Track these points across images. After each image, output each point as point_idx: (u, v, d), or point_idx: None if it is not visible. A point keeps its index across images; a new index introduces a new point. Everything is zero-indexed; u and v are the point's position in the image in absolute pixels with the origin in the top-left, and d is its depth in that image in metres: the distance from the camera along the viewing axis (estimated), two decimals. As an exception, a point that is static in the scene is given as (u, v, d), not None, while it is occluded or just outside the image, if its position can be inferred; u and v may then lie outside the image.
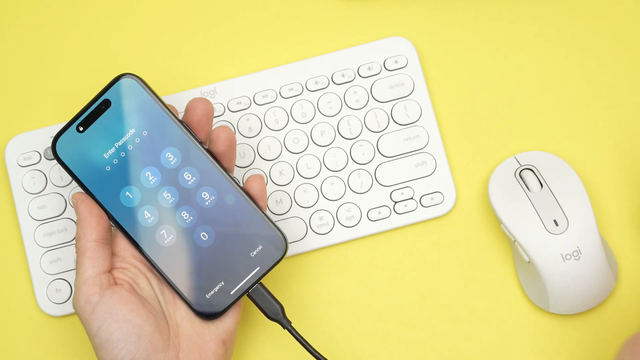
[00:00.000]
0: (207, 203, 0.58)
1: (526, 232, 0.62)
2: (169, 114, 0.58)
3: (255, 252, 0.58)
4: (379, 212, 0.66)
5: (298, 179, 0.66)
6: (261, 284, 0.59)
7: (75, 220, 0.66)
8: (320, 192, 0.66)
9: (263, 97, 0.67)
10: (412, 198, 0.66)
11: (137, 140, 0.58)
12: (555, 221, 0.62)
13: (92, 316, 0.56)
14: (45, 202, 0.66)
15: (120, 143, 0.58)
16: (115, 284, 0.58)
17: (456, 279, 0.66)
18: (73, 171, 0.58)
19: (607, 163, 0.67)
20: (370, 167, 0.66)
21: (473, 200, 0.67)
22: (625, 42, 0.68)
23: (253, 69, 0.68)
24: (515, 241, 0.63)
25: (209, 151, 0.59)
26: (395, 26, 0.68)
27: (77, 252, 0.58)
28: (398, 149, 0.66)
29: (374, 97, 0.67)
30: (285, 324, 0.59)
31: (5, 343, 0.66)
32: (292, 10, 0.69)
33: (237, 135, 0.66)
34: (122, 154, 0.58)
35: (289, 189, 0.66)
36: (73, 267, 0.65)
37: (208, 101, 0.59)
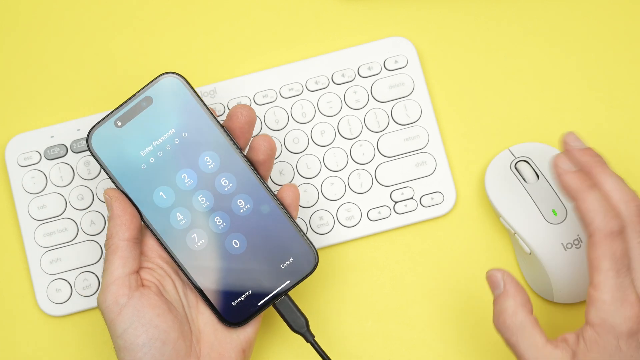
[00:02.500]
0: (241, 211, 0.58)
1: (525, 224, 0.63)
2: (211, 117, 0.57)
3: (286, 265, 0.58)
4: (379, 212, 0.66)
5: (298, 179, 0.66)
6: (288, 296, 0.58)
7: (74, 219, 0.66)
8: (320, 192, 0.66)
9: (263, 97, 0.67)
10: (412, 198, 0.66)
11: (177, 140, 0.57)
12: (553, 211, 0.63)
13: (119, 317, 0.56)
14: (45, 202, 0.66)
15: (158, 142, 0.57)
16: (143, 285, 0.57)
17: (457, 279, 0.66)
18: (107, 166, 0.57)
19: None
20: (370, 167, 0.66)
21: (473, 200, 0.67)
22: (622, 42, 0.68)
23: (253, 69, 0.68)
24: (515, 233, 0.63)
25: (247, 158, 0.58)
26: (395, 26, 0.69)
27: (107, 249, 0.57)
28: (398, 149, 0.66)
29: (374, 97, 0.67)
30: (309, 338, 0.59)
31: (5, 343, 0.66)
32: (292, 10, 0.69)
33: (237, 135, 0.66)
34: (160, 153, 0.57)
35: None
36: (73, 267, 0.65)
37: (251, 109, 0.58)
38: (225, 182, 0.58)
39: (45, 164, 0.66)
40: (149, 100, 0.57)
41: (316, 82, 0.67)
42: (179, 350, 0.56)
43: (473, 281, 0.66)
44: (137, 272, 0.57)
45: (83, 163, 0.66)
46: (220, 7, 0.69)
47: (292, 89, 0.67)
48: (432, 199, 0.66)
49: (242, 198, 0.58)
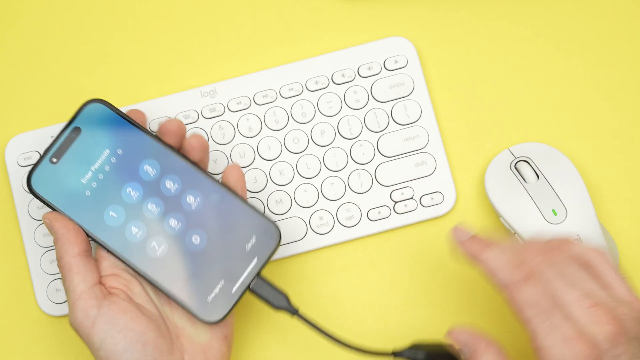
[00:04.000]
0: (193, 207, 0.58)
1: (525, 224, 0.63)
2: (141, 128, 0.59)
3: (249, 245, 0.58)
4: (379, 212, 0.66)
5: (298, 179, 0.66)
6: (261, 277, 0.58)
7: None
8: (320, 192, 0.66)
9: (263, 97, 0.67)
10: (412, 198, 0.66)
11: (113, 159, 0.58)
12: (553, 211, 0.63)
13: (94, 330, 0.55)
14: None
15: (96, 166, 0.58)
16: (110, 293, 0.57)
17: (457, 279, 0.66)
18: (53, 203, 0.58)
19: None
20: (370, 167, 0.66)
21: (473, 200, 0.67)
22: (622, 42, 0.68)
23: (253, 69, 0.68)
24: (515, 233, 0.63)
25: (185, 156, 0.59)
26: (395, 26, 0.69)
27: (62, 271, 0.57)
28: (398, 149, 0.66)
29: (374, 97, 0.67)
30: (293, 311, 0.59)
31: (5, 343, 0.66)
32: (292, 10, 0.69)
33: (238, 135, 0.66)
34: (100, 176, 0.58)
35: (289, 188, 0.66)
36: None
37: (178, 121, 0.59)
38: (170, 184, 0.58)
39: (45, 164, 0.66)
40: (77, 131, 0.58)
41: (316, 82, 0.67)
42: (161, 348, 0.56)
43: (473, 281, 0.66)
44: (99, 282, 0.57)
45: (83, 163, 0.66)
46: (220, 7, 0.69)
47: (292, 89, 0.67)
48: (432, 199, 0.66)
49: (190, 194, 0.58)
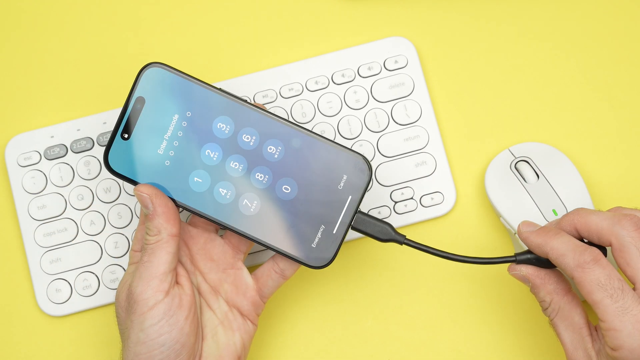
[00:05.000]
0: (276, 156, 0.57)
1: None
2: (204, 85, 0.57)
3: (342, 184, 0.57)
4: (379, 212, 0.66)
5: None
6: (361, 212, 0.57)
7: (74, 219, 0.66)
8: (320, 192, 0.66)
9: (263, 97, 0.67)
10: (412, 198, 0.66)
11: (184, 123, 0.57)
12: (554, 210, 0.63)
13: (151, 312, 0.55)
14: (45, 202, 0.66)
15: (169, 134, 0.57)
16: (178, 283, 0.57)
17: (457, 279, 0.66)
18: (136, 180, 0.57)
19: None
20: (370, 167, 0.66)
21: (473, 200, 0.67)
22: (622, 43, 0.68)
23: (253, 69, 0.68)
24: (515, 233, 0.63)
25: (255, 105, 0.58)
26: (395, 26, 0.69)
27: (152, 245, 0.56)
28: (398, 149, 0.66)
29: (374, 97, 0.67)
30: (401, 240, 0.57)
31: (5, 343, 0.66)
32: (292, 11, 0.69)
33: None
34: (176, 143, 0.57)
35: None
36: (73, 267, 0.65)
37: None
38: (247, 138, 0.57)
39: (45, 164, 0.66)
40: (141, 101, 0.57)
41: (316, 82, 0.67)
42: (190, 354, 0.56)
43: (473, 281, 0.66)
44: (176, 268, 0.57)
45: (83, 163, 0.66)
46: (220, 8, 0.69)
47: (292, 89, 0.67)
48: (432, 199, 0.66)
49: (271, 144, 0.57)
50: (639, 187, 0.67)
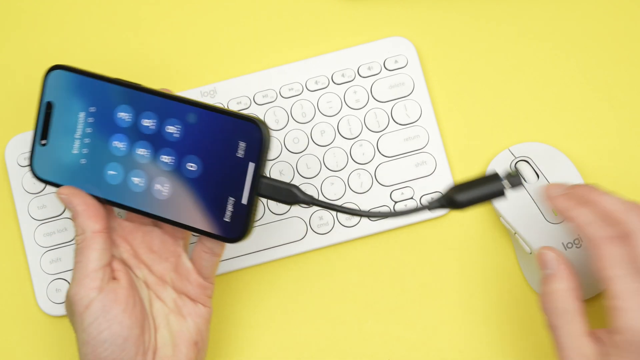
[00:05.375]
0: (176, 135, 0.57)
1: (526, 224, 0.63)
2: (103, 78, 0.58)
3: (241, 151, 0.56)
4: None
5: (298, 179, 0.66)
6: (265, 177, 0.56)
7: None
8: (320, 191, 0.66)
9: (263, 97, 0.67)
10: (412, 198, 0.66)
11: (91, 119, 0.58)
12: (554, 210, 0.63)
13: (87, 311, 0.56)
14: (45, 202, 0.66)
15: (79, 133, 0.58)
16: (114, 278, 0.57)
17: (457, 279, 0.66)
18: (61, 183, 0.58)
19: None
20: (370, 167, 0.66)
21: (473, 200, 0.67)
22: (622, 43, 0.68)
23: (253, 69, 0.68)
24: (515, 233, 0.63)
25: (150, 89, 0.58)
26: (395, 26, 0.69)
27: (79, 245, 0.57)
28: (398, 148, 0.66)
29: (374, 97, 0.67)
30: (308, 200, 0.56)
31: (5, 343, 0.66)
32: (292, 11, 0.69)
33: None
34: (87, 140, 0.58)
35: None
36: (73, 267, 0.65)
37: None
38: (148, 122, 0.58)
39: (45, 164, 0.66)
40: (50, 105, 0.58)
41: (316, 82, 0.67)
42: (138, 347, 0.56)
43: (473, 281, 0.66)
44: (110, 264, 0.58)
45: (83, 163, 0.66)
46: (220, 7, 0.69)
47: (292, 89, 0.67)
48: (432, 199, 0.66)
49: (169, 124, 0.57)
50: (639, 187, 0.67)
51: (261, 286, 0.66)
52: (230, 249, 0.65)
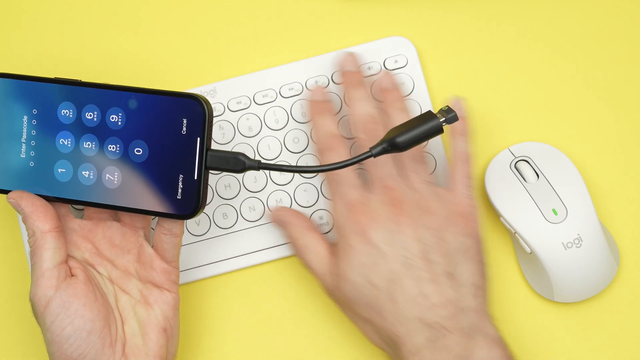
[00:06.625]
0: (120, 123, 0.58)
1: (526, 223, 0.63)
2: (40, 79, 0.59)
3: (185, 129, 0.57)
4: (379, 212, 0.66)
5: (298, 179, 0.66)
6: (210, 150, 0.57)
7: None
8: (320, 191, 0.66)
9: (263, 96, 0.67)
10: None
11: (34, 121, 0.59)
12: (554, 210, 0.63)
13: (47, 310, 0.56)
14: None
15: (25, 136, 0.59)
16: (72, 275, 0.58)
17: (456, 279, 0.66)
18: (10, 189, 0.59)
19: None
20: (370, 167, 0.66)
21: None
22: (621, 42, 0.68)
23: (253, 68, 0.68)
24: (515, 233, 0.63)
25: (86, 83, 0.59)
26: (395, 26, 0.69)
27: (32, 247, 0.57)
28: (398, 148, 0.66)
29: (374, 96, 0.67)
30: (255, 165, 0.57)
31: (6, 343, 0.66)
32: (292, 11, 0.69)
33: (237, 134, 0.66)
34: (33, 143, 0.59)
35: (289, 188, 0.66)
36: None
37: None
38: (90, 115, 0.58)
39: (44, 164, 0.66)
40: None
41: (316, 82, 0.67)
42: (104, 338, 0.57)
43: (473, 281, 0.66)
44: (66, 261, 0.58)
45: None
46: (220, 7, 0.69)
47: (292, 88, 0.67)
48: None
49: (111, 113, 0.58)
50: (639, 187, 0.67)
51: (261, 286, 0.66)
52: (230, 249, 0.65)
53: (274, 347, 0.65)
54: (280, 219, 0.64)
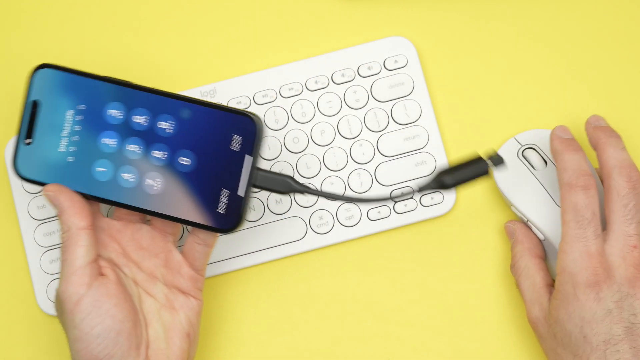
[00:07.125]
0: (169, 131, 0.58)
1: (537, 211, 0.63)
2: (92, 76, 0.59)
3: (236, 144, 0.57)
4: (379, 212, 0.66)
5: (298, 179, 0.66)
6: (259, 169, 0.58)
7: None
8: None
9: (263, 97, 0.67)
10: (412, 197, 0.66)
11: (79, 117, 0.59)
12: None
13: (77, 307, 0.56)
14: (45, 202, 0.66)
15: (67, 131, 0.59)
16: (102, 274, 0.58)
17: (456, 279, 0.66)
18: (46, 182, 0.59)
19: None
20: (370, 167, 0.66)
21: (473, 200, 0.67)
22: (621, 42, 0.68)
23: (253, 68, 0.68)
24: (528, 221, 0.63)
25: (140, 86, 0.59)
26: (395, 26, 0.69)
27: (65, 242, 0.57)
28: (398, 148, 0.66)
29: (374, 96, 0.67)
30: (302, 190, 0.58)
31: (5, 343, 0.66)
32: (292, 10, 0.69)
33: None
34: (75, 138, 0.59)
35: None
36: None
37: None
38: (139, 119, 0.58)
39: (45, 164, 0.66)
40: (37, 104, 0.59)
41: (316, 82, 0.67)
42: (131, 340, 0.57)
43: (473, 281, 0.66)
44: (96, 260, 0.58)
45: (83, 163, 0.66)
46: (220, 7, 0.69)
47: (292, 88, 0.67)
48: (432, 198, 0.66)
49: (162, 120, 0.58)
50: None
51: (261, 286, 0.66)
52: (230, 249, 0.65)
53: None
54: (511, 232, 0.64)
